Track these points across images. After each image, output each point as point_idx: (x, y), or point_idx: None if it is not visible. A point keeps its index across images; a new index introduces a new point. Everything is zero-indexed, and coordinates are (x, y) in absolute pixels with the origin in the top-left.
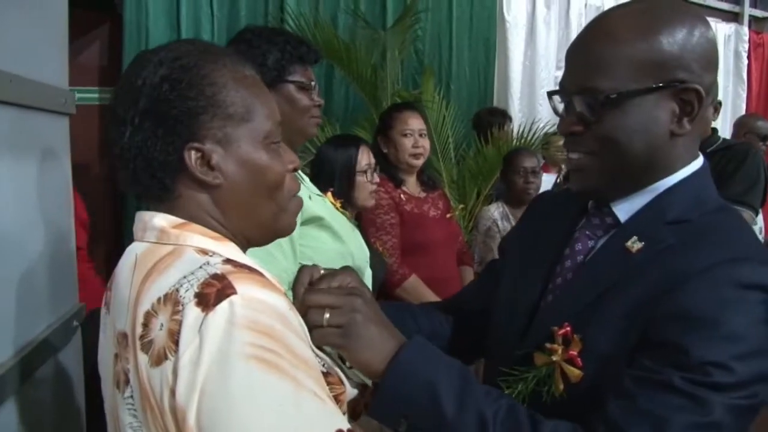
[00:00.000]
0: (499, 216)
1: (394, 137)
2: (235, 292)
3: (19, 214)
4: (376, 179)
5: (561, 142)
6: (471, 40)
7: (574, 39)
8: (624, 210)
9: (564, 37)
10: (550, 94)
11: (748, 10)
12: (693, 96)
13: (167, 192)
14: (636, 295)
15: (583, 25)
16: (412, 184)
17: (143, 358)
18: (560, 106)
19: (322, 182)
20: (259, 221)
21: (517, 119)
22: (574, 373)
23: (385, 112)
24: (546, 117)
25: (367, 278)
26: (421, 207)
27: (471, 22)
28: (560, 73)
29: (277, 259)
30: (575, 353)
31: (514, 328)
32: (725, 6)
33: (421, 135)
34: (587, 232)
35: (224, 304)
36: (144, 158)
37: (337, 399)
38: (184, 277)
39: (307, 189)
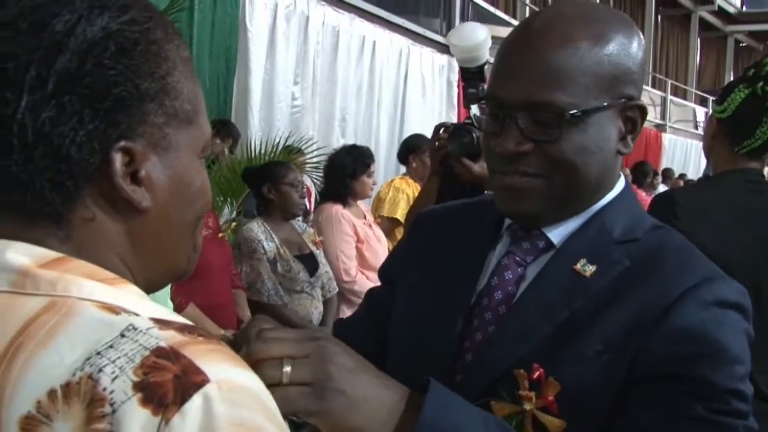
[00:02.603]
0: (262, 235)
1: None
2: (207, 379)
3: None
4: None
5: (300, 158)
6: (212, 48)
7: (511, 42)
8: (558, 233)
9: (302, 52)
10: (471, 102)
11: None
12: (637, 113)
13: (69, 210)
14: (610, 324)
15: (321, 43)
16: None
17: None
18: (483, 118)
19: None
20: (174, 263)
21: (257, 132)
22: (554, 423)
23: None
24: (284, 131)
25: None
26: None
27: (213, 28)
28: (297, 88)
29: None
30: (552, 398)
31: (434, 371)
32: (440, 39)
33: None
34: (517, 258)
35: (196, 401)
36: (51, 151)
37: None
38: (98, 353)
39: None
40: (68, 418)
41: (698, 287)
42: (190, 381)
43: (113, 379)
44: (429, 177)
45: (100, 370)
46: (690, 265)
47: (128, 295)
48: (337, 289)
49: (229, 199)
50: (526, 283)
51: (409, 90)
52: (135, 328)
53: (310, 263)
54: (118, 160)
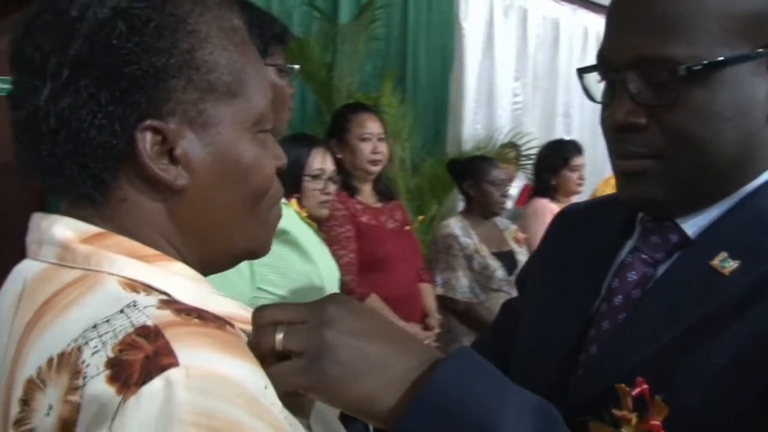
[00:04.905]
0: (459, 231)
1: (350, 141)
2: (174, 363)
3: None
4: (331, 188)
5: (511, 154)
6: (428, 46)
7: None
8: (695, 224)
9: (522, 47)
10: (583, 71)
11: None
12: None
13: (102, 192)
14: (745, 333)
15: (541, 36)
16: (367, 194)
17: None
18: (596, 88)
19: None
20: (228, 243)
21: (473, 129)
22: None
23: (338, 113)
24: (506, 128)
25: None
26: (378, 218)
27: (428, 26)
28: (518, 84)
29: (233, 283)
30: (658, 423)
31: (541, 389)
32: None
33: (379, 139)
34: (643, 256)
35: (156, 384)
36: (72, 135)
37: None
38: (95, 326)
39: None
40: (57, 386)
41: None
42: (157, 363)
43: (93, 353)
44: None
45: (86, 343)
46: None
47: (165, 272)
48: None
49: (438, 195)
50: (653, 284)
51: None
52: (135, 305)
53: (508, 261)
54: (144, 140)
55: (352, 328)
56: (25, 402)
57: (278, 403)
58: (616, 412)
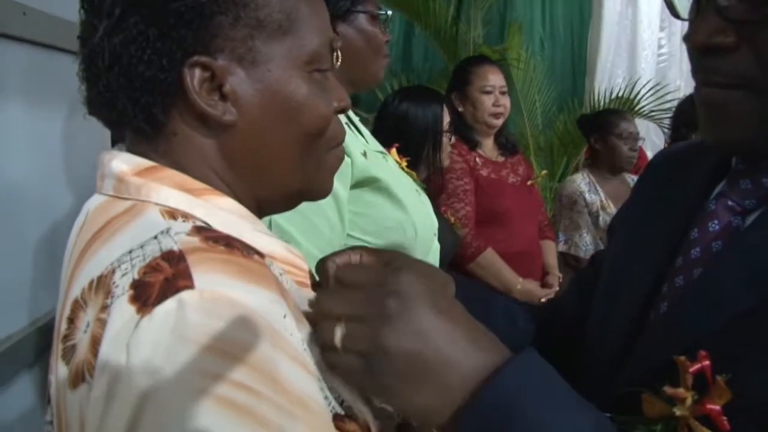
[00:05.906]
0: (585, 187)
1: (472, 94)
2: (190, 285)
3: (40, 172)
4: (452, 139)
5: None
6: None
7: None
8: None
9: None
10: None
11: None
12: None
13: (154, 126)
14: None
15: None
16: (488, 147)
17: (63, 371)
18: (682, 4)
19: (391, 138)
20: (282, 183)
21: (612, 84)
22: None
23: (460, 65)
24: (648, 80)
25: (434, 253)
26: (498, 172)
27: None
28: (664, 34)
29: (320, 230)
30: (717, 407)
31: (608, 349)
32: None
33: (501, 92)
34: (730, 203)
35: (168, 305)
36: (123, 70)
37: None
38: (130, 251)
39: (365, 143)
40: (93, 306)
41: None
42: (174, 285)
43: (123, 275)
44: None
45: (119, 266)
46: None
47: (209, 205)
48: None
49: (568, 152)
50: (736, 238)
51: None
52: (167, 231)
53: None
54: (192, 75)
55: (412, 328)
56: (71, 320)
57: (297, 335)
58: (668, 390)
